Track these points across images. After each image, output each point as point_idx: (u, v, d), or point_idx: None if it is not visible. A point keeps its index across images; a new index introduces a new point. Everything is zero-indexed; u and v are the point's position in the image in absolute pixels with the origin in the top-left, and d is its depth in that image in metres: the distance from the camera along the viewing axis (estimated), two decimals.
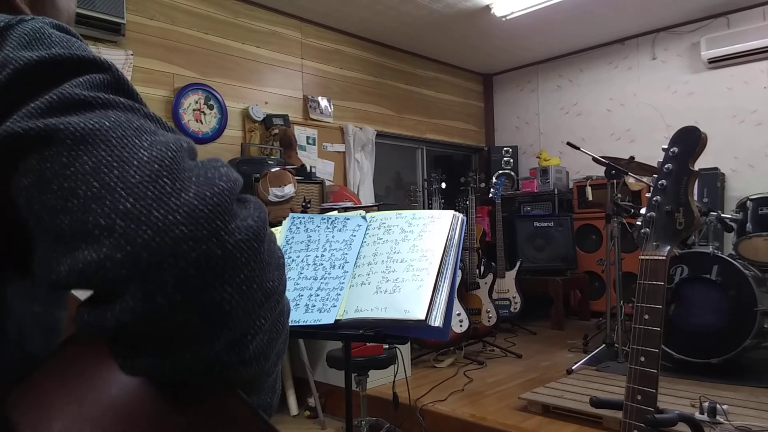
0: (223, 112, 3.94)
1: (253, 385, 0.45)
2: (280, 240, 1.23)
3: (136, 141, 0.41)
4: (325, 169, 4.52)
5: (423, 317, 0.96)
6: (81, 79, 0.44)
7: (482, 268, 3.87)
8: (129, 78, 3.42)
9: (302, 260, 1.19)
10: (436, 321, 0.97)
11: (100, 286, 0.38)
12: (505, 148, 5.82)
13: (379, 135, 4.98)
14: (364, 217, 1.23)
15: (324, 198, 3.83)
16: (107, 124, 0.41)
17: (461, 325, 3.45)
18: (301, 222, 1.26)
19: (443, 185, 4.08)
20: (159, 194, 0.39)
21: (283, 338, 0.47)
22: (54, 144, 0.40)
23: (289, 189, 3.42)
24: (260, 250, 0.42)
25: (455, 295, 1.14)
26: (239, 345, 0.41)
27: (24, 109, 0.41)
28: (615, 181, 3.44)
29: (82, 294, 0.43)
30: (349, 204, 3.71)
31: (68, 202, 0.39)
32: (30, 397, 0.42)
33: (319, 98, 4.58)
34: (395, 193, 5.85)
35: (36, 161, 0.40)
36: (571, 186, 5.37)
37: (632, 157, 3.36)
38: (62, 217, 0.39)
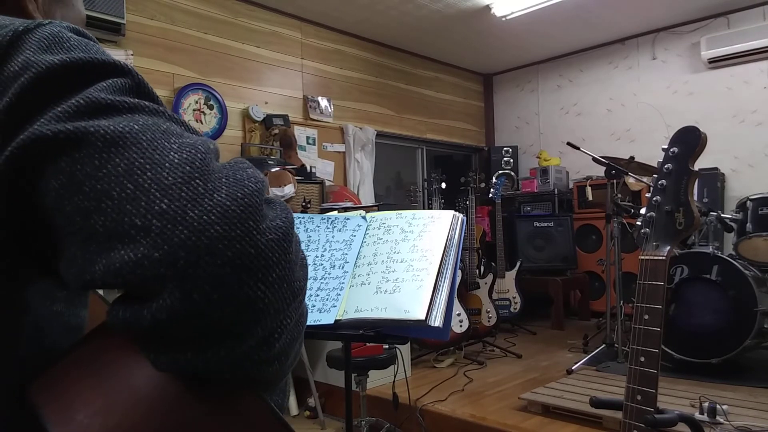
0: (223, 112, 3.94)
1: (269, 385, 0.46)
2: None
3: (166, 144, 0.42)
4: (325, 169, 4.52)
5: (423, 317, 0.96)
6: (105, 84, 0.44)
7: (482, 268, 3.87)
8: None
9: None
10: (436, 321, 0.97)
11: (138, 285, 0.39)
12: (505, 148, 5.82)
13: (379, 135, 4.98)
14: (364, 217, 1.23)
15: (324, 198, 3.83)
16: (136, 127, 0.42)
17: (461, 325, 3.45)
18: (301, 222, 1.26)
19: (443, 185, 4.08)
20: (193, 195, 0.40)
21: (301, 340, 0.48)
22: (84, 146, 0.40)
23: (289, 189, 3.42)
24: (289, 249, 0.43)
25: (455, 295, 1.14)
26: (267, 343, 0.42)
27: (50, 112, 0.41)
28: (615, 181, 3.44)
29: (106, 292, 0.43)
30: (349, 204, 3.71)
31: (102, 203, 0.39)
32: (55, 386, 0.43)
33: (319, 98, 4.58)
34: (395, 193, 5.85)
35: (66, 164, 0.40)
36: (571, 186, 5.37)
37: (632, 157, 3.36)
38: (96, 217, 0.39)
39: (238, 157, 0.47)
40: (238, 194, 0.41)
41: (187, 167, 0.41)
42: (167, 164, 0.41)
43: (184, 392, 0.41)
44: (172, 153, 0.42)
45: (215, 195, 0.40)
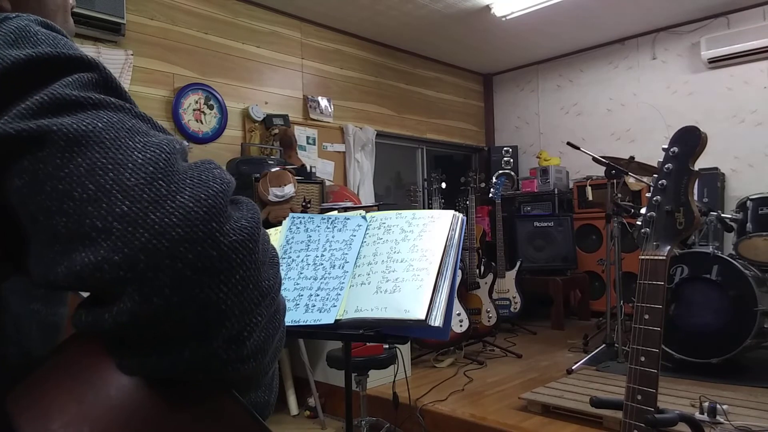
0: (223, 112, 3.94)
1: (250, 382, 0.46)
2: (280, 240, 1.23)
3: (130, 142, 0.42)
4: (325, 169, 4.52)
5: (423, 317, 0.96)
6: (70, 79, 0.44)
7: (482, 268, 3.87)
8: (129, 78, 3.39)
9: (302, 260, 1.19)
10: (436, 321, 0.97)
11: (98, 288, 0.39)
12: (505, 148, 5.82)
13: (379, 135, 4.98)
14: (364, 217, 1.23)
15: (324, 198, 3.83)
16: (100, 125, 0.42)
17: (461, 325, 3.45)
18: (301, 222, 1.26)
19: (443, 185, 4.08)
20: (155, 197, 0.39)
21: (280, 336, 0.48)
22: (47, 145, 0.40)
23: (289, 189, 3.42)
24: (255, 250, 0.42)
25: (455, 295, 1.14)
26: (236, 342, 0.41)
27: (15, 109, 0.41)
28: (615, 181, 3.44)
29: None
30: (349, 204, 3.71)
31: (63, 204, 0.39)
32: (30, 395, 0.42)
33: (319, 98, 4.58)
34: (395, 193, 5.85)
35: (29, 162, 0.40)
36: (571, 186, 5.37)
37: (632, 157, 3.36)
38: (58, 218, 0.39)
39: (206, 158, 0.46)
40: (202, 195, 0.40)
41: (150, 167, 0.40)
42: (130, 164, 0.40)
43: (161, 397, 0.41)
44: (135, 152, 0.41)
45: (178, 197, 0.40)
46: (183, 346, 0.39)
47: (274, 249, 0.48)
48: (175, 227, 0.38)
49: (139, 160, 0.40)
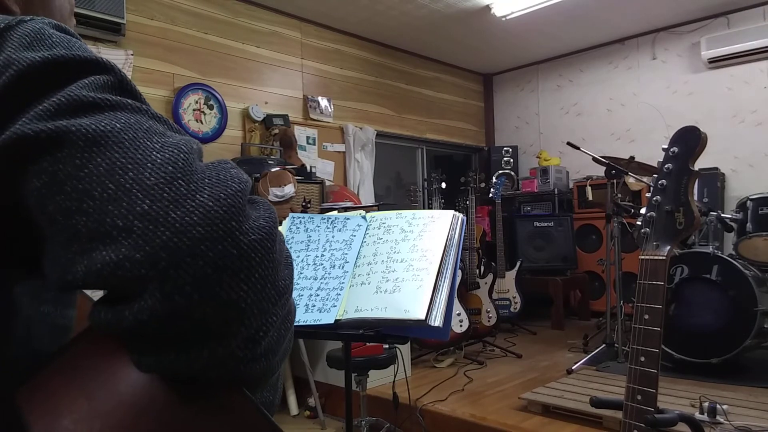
0: (223, 112, 3.94)
1: (259, 382, 0.46)
2: None
3: (148, 143, 0.42)
4: (325, 169, 4.52)
5: (423, 317, 0.96)
6: (86, 81, 0.44)
7: (482, 268, 3.87)
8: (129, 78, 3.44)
9: (302, 260, 1.19)
10: (436, 321, 0.97)
11: (119, 286, 0.39)
12: (505, 148, 5.82)
13: (379, 135, 4.98)
14: (364, 217, 1.23)
15: (324, 198, 3.83)
16: (118, 126, 0.42)
17: (461, 325, 3.45)
18: (301, 222, 1.26)
19: (443, 185, 4.08)
20: (175, 196, 0.40)
21: (290, 336, 0.48)
22: (66, 146, 0.40)
23: (289, 189, 3.42)
24: (273, 249, 0.43)
25: (455, 295, 1.14)
26: (253, 341, 0.42)
27: (32, 111, 0.41)
28: (615, 181, 3.44)
29: (92, 293, 0.43)
30: (349, 204, 3.71)
31: (83, 203, 0.39)
32: (40, 392, 0.42)
33: (319, 98, 4.58)
34: (395, 193, 5.85)
35: (48, 163, 0.40)
36: (571, 186, 5.37)
37: (632, 157, 3.37)
38: (77, 218, 0.39)
39: (223, 158, 0.46)
40: (221, 195, 0.41)
41: (170, 167, 0.41)
42: (149, 164, 0.40)
43: (171, 394, 0.41)
44: (154, 152, 0.41)
45: (198, 196, 0.40)
46: (202, 344, 0.40)
47: (288, 250, 0.48)
48: (195, 226, 0.39)
49: (158, 160, 0.41)
